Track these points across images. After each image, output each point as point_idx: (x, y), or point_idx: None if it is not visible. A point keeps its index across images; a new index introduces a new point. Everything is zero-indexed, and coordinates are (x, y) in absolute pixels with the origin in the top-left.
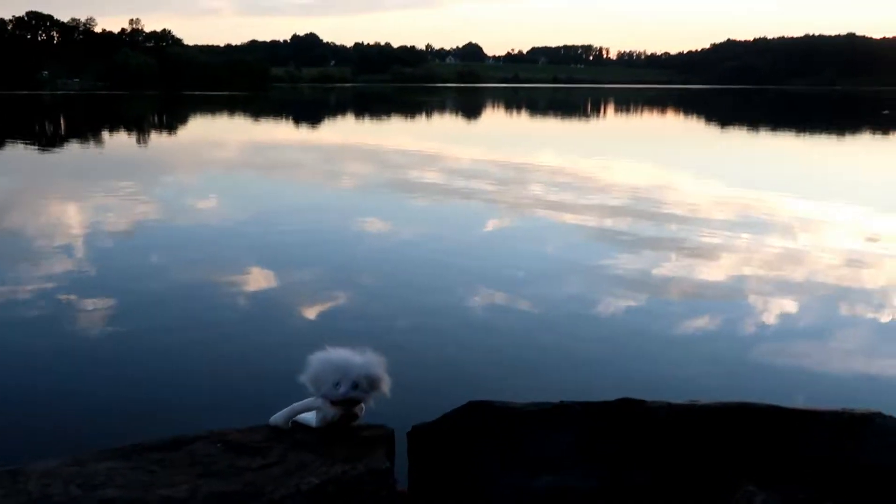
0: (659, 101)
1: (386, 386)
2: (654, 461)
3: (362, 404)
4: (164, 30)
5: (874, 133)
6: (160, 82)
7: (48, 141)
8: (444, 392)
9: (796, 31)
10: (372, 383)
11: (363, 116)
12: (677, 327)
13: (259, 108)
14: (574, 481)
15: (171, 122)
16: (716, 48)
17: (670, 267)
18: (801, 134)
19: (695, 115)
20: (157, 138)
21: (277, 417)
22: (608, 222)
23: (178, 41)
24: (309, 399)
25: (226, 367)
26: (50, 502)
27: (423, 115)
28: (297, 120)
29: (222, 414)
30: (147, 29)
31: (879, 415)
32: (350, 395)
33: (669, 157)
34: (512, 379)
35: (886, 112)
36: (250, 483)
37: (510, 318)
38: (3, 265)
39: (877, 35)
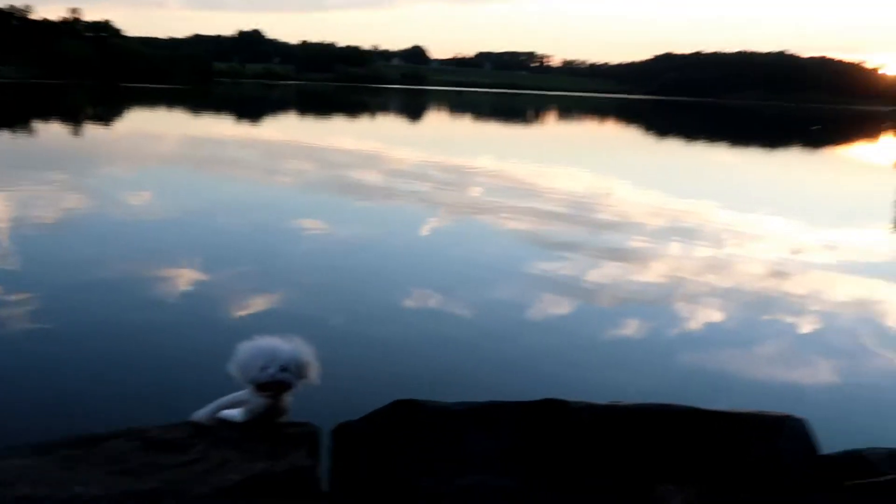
0: (600, 110)
1: (314, 373)
2: (577, 461)
3: (289, 397)
4: (105, 20)
5: (804, 148)
6: (99, 73)
7: None
8: (372, 391)
9: (732, 47)
10: (300, 368)
11: (306, 115)
12: (605, 331)
13: (201, 102)
14: (498, 481)
15: (109, 114)
16: (657, 59)
17: (601, 272)
18: (735, 146)
19: (635, 125)
20: (93, 130)
21: (201, 413)
22: (543, 227)
23: (118, 32)
24: (235, 393)
25: (150, 363)
26: None
27: (367, 115)
28: (240, 116)
29: (144, 411)
30: (87, 18)
31: (790, 417)
32: (278, 377)
33: (608, 166)
34: (439, 379)
35: (815, 128)
36: (169, 480)
37: (441, 319)
38: None
39: (805, 54)
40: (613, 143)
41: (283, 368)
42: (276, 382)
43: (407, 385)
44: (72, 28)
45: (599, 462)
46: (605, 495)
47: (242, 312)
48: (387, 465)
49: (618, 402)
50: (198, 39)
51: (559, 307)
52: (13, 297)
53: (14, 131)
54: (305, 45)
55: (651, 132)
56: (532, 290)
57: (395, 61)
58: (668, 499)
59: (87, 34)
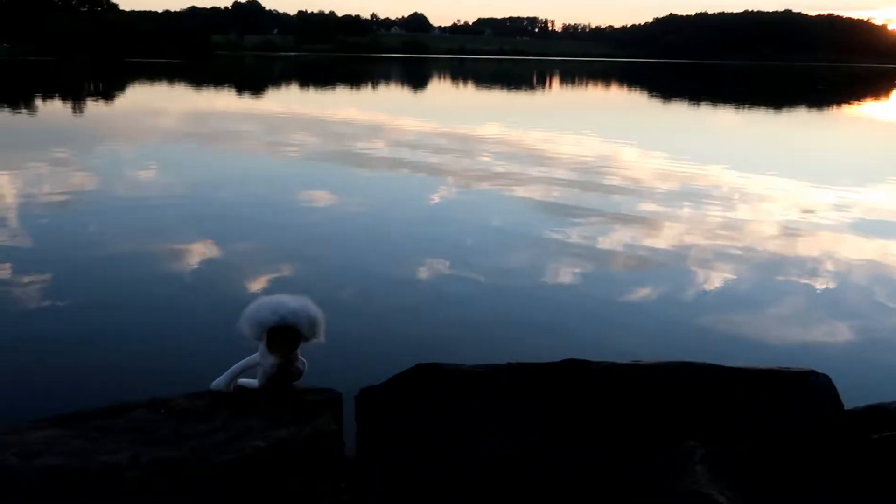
0: (603, 75)
1: (322, 331)
2: (600, 419)
3: (303, 360)
4: None
5: (810, 108)
6: (95, 48)
7: None
8: (393, 356)
9: (736, 7)
10: (309, 321)
11: (308, 86)
12: (621, 293)
13: (200, 76)
14: (521, 441)
15: (108, 90)
16: (658, 22)
17: (613, 236)
18: (741, 108)
19: (639, 89)
20: (93, 106)
21: (219, 382)
22: (554, 193)
23: (113, 6)
24: (248, 358)
25: (168, 335)
26: None
27: (369, 85)
28: (241, 89)
29: (165, 382)
30: None
31: (813, 373)
32: (289, 318)
33: (614, 130)
34: (460, 343)
35: (820, 87)
36: (195, 449)
37: (458, 284)
38: None
39: (811, 12)
40: (618, 107)
41: (293, 314)
42: (286, 326)
43: (428, 348)
44: (66, 3)
45: (622, 420)
46: (628, 453)
47: (255, 283)
48: (410, 429)
49: (639, 360)
50: (193, 12)
51: (573, 271)
52: (33, 275)
53: (14, 110)
54: (304, 16)
55: (655, 95)
56: (545, 255)
57: (396, 30)
58: (691, 455)
59: (81, 9)
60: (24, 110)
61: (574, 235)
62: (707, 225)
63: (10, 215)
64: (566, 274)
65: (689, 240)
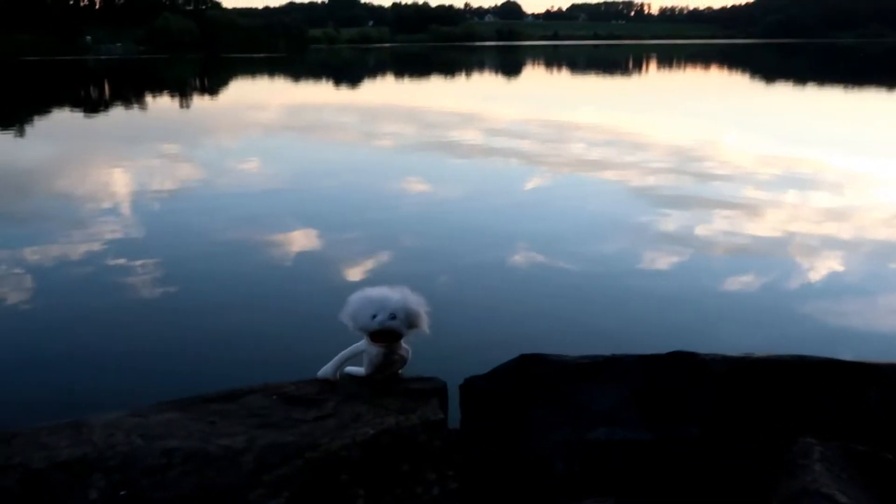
0: (702, 57)
1: (424, 323)
2: (708, 414)
3: (407, 347)
4: None
5: None
6: (200, 46)
7: (97, 106)
8: (496, 346)
9: None
10: (410, 317)
11: (402, 77)
12: (727, 283)
13: (298, 70)
14: (627, 434)
15: (214, 86)
16: (759, 1)
17: (717, 224)
18: (849, 89)
19: (738, 71)
20: (200, 102)
21: (326, 370)
22: (652, 180)
23: (216, 4)
24: (353, 346)
25: (274, 323)
26: (114, 452)
27: (463, 75)
28: (337, 81)
29: (273, 369)
30: None
31: None
32: (387, 324)
33: (714, 114)
34: (563, 333)
35: None
36: (306, 434)
37: (559, 274)
38: (57, 227)
39: None
40: (718, 90)
41: (392, 317)
42: (385, 331)
43: (531, 339)
44: (173, 3)
45: (732, 415)
46: (741, 448)
47: (356, 273)
48: (515, 419)
49: (750, 353)
50: (291, 7)
51: (677, 260)
52: (143, 264)
53: (130, 106)
54: (398, 7)
55: (757, 77)
56: (645, 243)
57: (489, 18)
58: (809, 453)
59: (186, 8)
60: (137, 105)
61: (675, 224)
62: (815, 212)
63: (124, 207)
64: (668, 264)
65: (796, 227)
